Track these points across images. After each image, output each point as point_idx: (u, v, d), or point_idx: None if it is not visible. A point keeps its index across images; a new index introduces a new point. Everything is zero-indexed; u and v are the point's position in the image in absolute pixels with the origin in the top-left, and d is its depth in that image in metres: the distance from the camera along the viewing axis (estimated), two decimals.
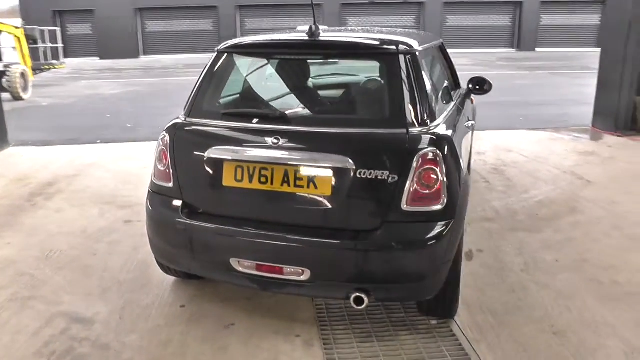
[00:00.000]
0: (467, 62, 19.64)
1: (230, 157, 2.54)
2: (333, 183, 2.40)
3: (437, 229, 2.40)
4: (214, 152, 2.56)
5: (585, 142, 6.76)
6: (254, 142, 2.54)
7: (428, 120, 2.51)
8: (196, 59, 22.53)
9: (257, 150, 2.49)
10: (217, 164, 2.56)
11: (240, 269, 2.54)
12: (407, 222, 2.40)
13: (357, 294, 2.40)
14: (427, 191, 2.38)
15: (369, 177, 2.36)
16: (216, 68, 2.84)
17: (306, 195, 2.45)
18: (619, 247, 3.71)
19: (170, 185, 2.71)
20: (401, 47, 2.62)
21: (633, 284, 3.21)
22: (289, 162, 2.44)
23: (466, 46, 25.53)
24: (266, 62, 3.00)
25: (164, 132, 2.77)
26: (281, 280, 2.51)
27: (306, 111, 2.78)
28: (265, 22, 25.06)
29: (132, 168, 5.73)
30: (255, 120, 2.61)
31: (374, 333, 2.73)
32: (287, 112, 2.61)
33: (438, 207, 2.40)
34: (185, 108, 2.84)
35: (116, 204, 4.64)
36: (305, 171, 2.43)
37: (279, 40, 3.02)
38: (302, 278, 2.45)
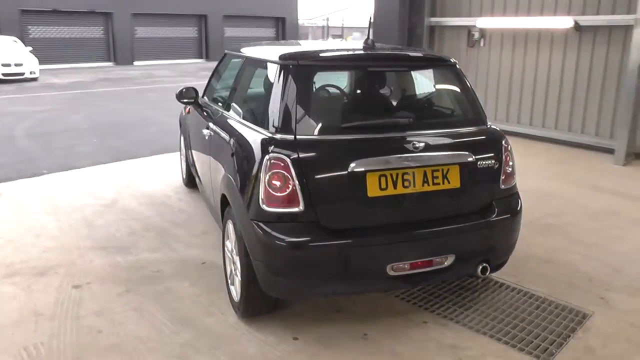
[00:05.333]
0: (170, 74, 19.83)
1: (375, 168, 2.58)
2: (461, 175, 2.77)
3: (518, 200, 3.07)
4: (357, 166, 2.54)
5: None
6: (394, 149, 2.64)
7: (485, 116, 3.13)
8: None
9: (401, 157, 2.62)
10: (360, 177, 2.56)
11: (394, 273, 2.64)
12: (505, 197, 2.99)
13: (484, 265, 2.86)
14: (510, 171, 3.02)
15: (483, 166, 2.84)
16: (299, 83, 2.72)
17: (442, 190, 2.73)
18: None
19: (299, 209, 2.52)
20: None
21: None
22: (428, 164, 2.67)
23: (157, 57, 25.63)
24: (341, 73, 3.02)
25: (278, 154, 2.52)
26: (430, 272, 2.73)
27: (416, 116, 2.93)
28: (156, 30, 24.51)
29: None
30: (375, 130, 2.71)
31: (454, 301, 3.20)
32: (409, 119, 2.79)
33: (514, 183, 3.07)
34: (279, 126, 2.64)
35: (32, 272, 3.50)
36: (440, 169, 2.71)
37: (357, 52, 3.06)
38: (447, 264, 2.75)
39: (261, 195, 2.55)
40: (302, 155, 2.54)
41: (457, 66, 3.13)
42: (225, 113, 3.44)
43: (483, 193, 2.91)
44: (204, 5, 27.12)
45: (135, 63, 24.57)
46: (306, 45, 3.34)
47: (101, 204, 4.84)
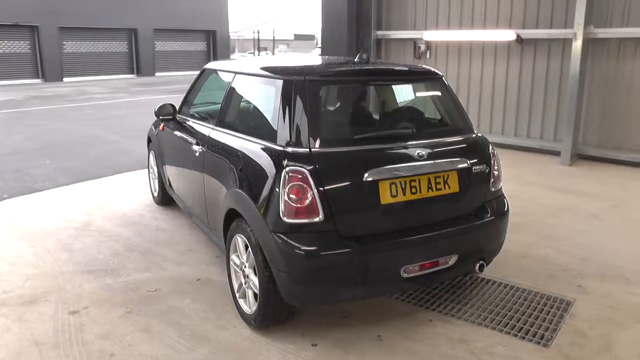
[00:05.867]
0: (103, 90, 19.15)
1: (386, 177, 2.73)
2: (459, 180, 2.98)
3: (504, 201, 3.33)
4: (370, 175, 2.68)
5: None
6: (401, 159, 2.80)
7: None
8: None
9: (409, 165, 2.79)
10: (373, 185, 2.70)
11: (406, 275, 2.79)
12: (495, 199, 3.23)
13: (481, 262, 3.09)
14: (497, 174, 3.28)
15: (477, 170, 3.07)
16: (309, 98, 2.82)
17: (443, 194, 2.93)
18: None
19: (318, 218, 2.62)
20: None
21: None
22: (431, 171, 2.86)
23: (87, 73, 24.67)
24: (346, 88, 3.16)
25: (295, 167, 2.62)
26: (436, 272, 2.91)
27: (417, 127, 3.09)
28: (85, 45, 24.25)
29: None
30: (382, 140, 2.87)
31: (458, 300, 3.41)
32: (412, 130, 2.97)
33: (501, 185, 3.33)
34: (291, 140, 2.74)
35: (20, 301, 3.34)
36: (442, 175, 2.91)
37: (360, 68, 3.19)
38: (450, 263, 2.95)
39: (281, 207, 2.62)
40: (319, 166, 2.64)
41: (444, 79, 3.37)
42: (222, 129, 3.46)
43: (477, 196, 3.13)
44: (134, 19, 26.35)
45: (65, 79, 23.48)
46: (280, 59, 3.47)
47: (74, 227, 4.67)
